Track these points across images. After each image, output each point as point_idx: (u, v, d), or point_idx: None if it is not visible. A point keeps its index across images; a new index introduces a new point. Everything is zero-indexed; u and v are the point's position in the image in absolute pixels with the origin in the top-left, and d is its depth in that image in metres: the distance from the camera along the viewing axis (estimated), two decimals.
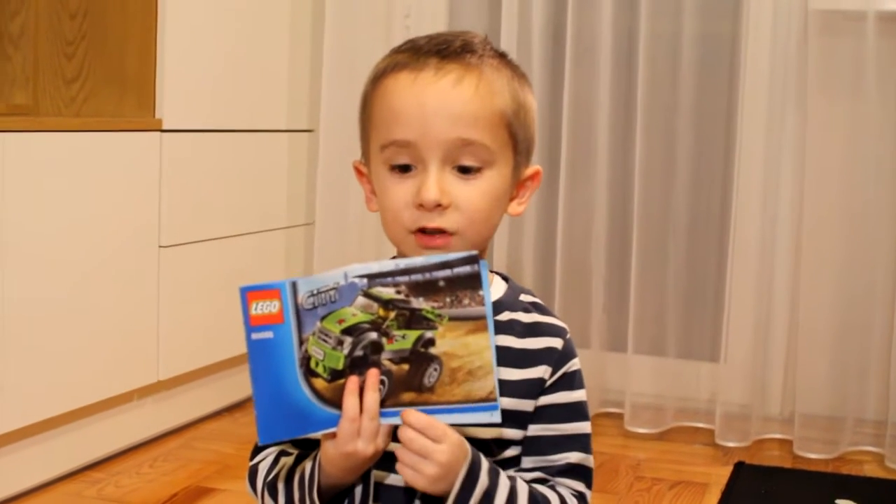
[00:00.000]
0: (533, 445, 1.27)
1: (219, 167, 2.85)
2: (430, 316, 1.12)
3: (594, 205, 2.98)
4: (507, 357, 1.24)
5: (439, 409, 1.14)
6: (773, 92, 2.82)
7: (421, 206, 1.19)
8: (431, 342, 1.13)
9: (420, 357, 1.13)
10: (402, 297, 1.12)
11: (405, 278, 1.12)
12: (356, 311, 1.13)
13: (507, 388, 1.22)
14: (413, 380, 1.14)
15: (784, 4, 2.78)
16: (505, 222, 3.00)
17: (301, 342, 1.14)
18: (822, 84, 2.81)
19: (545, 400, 1.26)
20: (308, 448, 1.26)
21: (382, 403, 1.14)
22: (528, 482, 1.23)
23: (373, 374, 1.13)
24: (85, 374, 2.44)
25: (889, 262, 2.81)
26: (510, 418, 1.22)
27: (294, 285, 1.13)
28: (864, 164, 2.80)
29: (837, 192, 2.86)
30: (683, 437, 2.92)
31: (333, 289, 1.13)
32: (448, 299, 1.12)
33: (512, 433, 1.24)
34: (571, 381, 1.28)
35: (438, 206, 1.19)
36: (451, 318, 1.12)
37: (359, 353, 1.13)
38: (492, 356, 1.12)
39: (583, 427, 1.29)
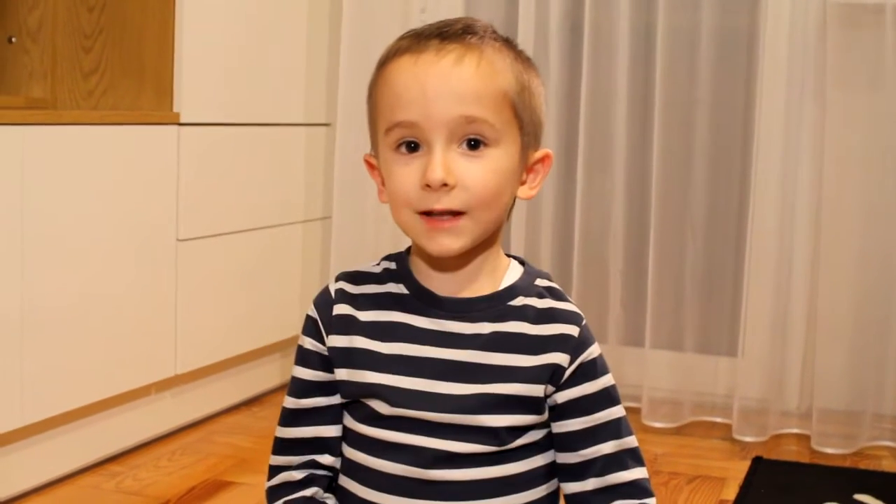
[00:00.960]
0: (565, 441, 1.26)
1: (236, 161, 2.85)
2: None
3: (612, 199, 2.98)
4: (519, 343, 1.23)
5: None
6: (791, 85, 2.81)
7: (427, 186, 1.18)
8: None
9: None
10: None
11: None
12: None
13: (519, 374, 1.22)
14: None
15: None
16: (522, 218, 3.00)
17: None
18: (841, 77, 2.80)
19: (569, 394, 1.25)
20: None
21: None
22: None
23: None
24: (103, 368, 2.45)
25: None
26: (522, 404, 1.22)
27: None
28: (883, 156, 2.78)
29: (856, 185, 2.85)
30: (701, 432, 2.92)
31: None
32: None
33: (525, 419, 1.24)
34: (593, 370, 1.27)
35: (444, 186, 1.18)
36: None
37: None
38: None
39: (613, 413, 1.27)
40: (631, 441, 1.28)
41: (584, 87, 2.97)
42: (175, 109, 2.64)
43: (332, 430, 1.29)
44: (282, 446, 1.31)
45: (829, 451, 2.78)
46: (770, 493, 2.46)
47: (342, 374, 1.26)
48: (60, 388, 2.34)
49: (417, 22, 2.98)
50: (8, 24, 2.76)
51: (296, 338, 3.11)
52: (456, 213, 1.19)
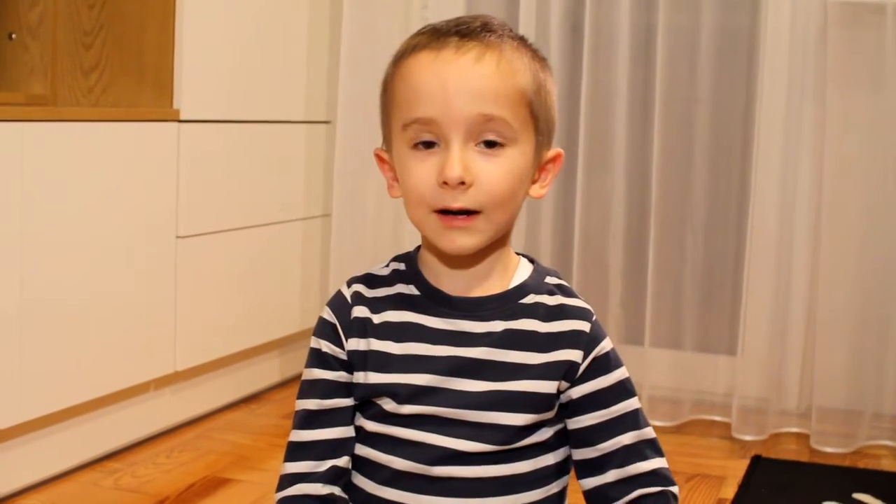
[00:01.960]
0: (582, 436, 1.27)
1: (236, 158, 2.85)
2: None
3: (611, 198, 2.98)
4: (532, 341, 1.24)
5: None
6: (791, 85, 2.81)
7: (445, 183, 1.18)
8: None
9: None
10: None
11: None
12: None
13: (532, 371, 1.23)
14: None
15: None
16: (523, 217, 3.00)
17: None
18: (841, 77, 2.80)
19: (583, 389, 1.26)
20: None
21: None
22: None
23: None
24: (102, 365, 2.45)
25: None
26: (534, 401, 1.23)
27: None
28: (883, 156, 2.78)
29: (856, 185, 2.85)
30: (700, 431, 2.92)
31: None
32: None
33: (536, 417, 1.24)
34: (606, 364, 1.27)
35: (462, 184, 1.18)
36: None
37: None
38: None
39: (630, 405, 1.28)
40: (649, 432, 1.29)
41: (584, 86, 2.96)
42: (175, 106, 2.64)
43: (351, 431, 1.28)
44: (300, 450, 1.28)
45: (829, 450, 2.78)
46: (769, 492, 2.46)
47: (359, 376, 1.26)
48: (59, 385, 2.34)
49: (418, 19, 2.99)
50: (8, 20, 2.76)
51: (295, 335, 3.14)
52: (471, 213, 1.20)
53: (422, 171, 1.20)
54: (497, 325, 1.24)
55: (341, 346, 1.27)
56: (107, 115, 2.49)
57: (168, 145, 2.61)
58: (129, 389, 2.56)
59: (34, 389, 2.27)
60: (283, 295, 3.09)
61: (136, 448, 2.61)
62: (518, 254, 1.32)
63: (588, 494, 1.29)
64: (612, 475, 1.26)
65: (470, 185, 1.18)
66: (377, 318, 1.26)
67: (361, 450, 1.27)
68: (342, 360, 1.27)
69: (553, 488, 1.27)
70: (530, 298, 1.27)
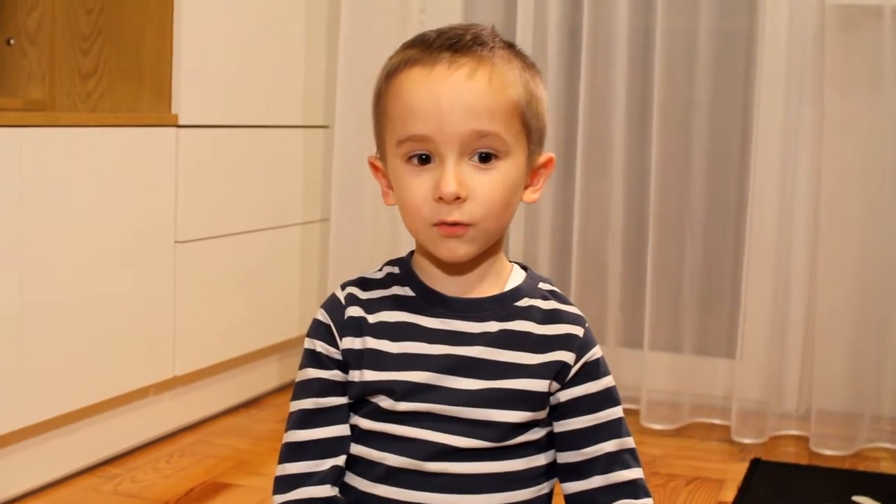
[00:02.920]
0: (568, 440, 1.29)
1: (235, 163, 2.85)
2: None
3: (610, 201, 2.98)
4: (526, 342, 1.26)
5: None
6: (789, 88, 2.81)
7: (440, 199, 1.20)
8: None
9: None
10: None
11: None
12: None
13: (526, 370, 1.25)
14: None
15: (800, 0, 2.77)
16: (521, 220, 3.01)
17: None
18: (839, 80, 2.80)
19: (572, 392, 1.28)
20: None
21: None
22: None
23: None
24: (102, 370, 2.45)
25: None
26: (527, 400, 1.25)
27: None
28: (881, 158, 2.79)
29: (854, 188, 2.85)
30: (699, 434, 2.92)
31: None
32: None
33: (529, 415, 1.26)
34: (596, 370, 1.30)
35: (457, 199, 1.20)
36: None
37: None
38: None
39: (615, 412, 1.31)
40: (630, 441, 1.31)
41: (582, 89, 2.97)
42: (173, 111, 2.64)
43: (347, 430, 1.29)
44: (298, 451, 1.28)
45: (828, 452, 2.78)
46: (768, 495, 2.46)
47: (354, 374, 1.27)
48: (59, 390, 2.34)
49: (416, 23, 2.99)
50: (6, 25, 2.76)
51: (294, 340, 3.14)
52: (464, 224, 1.22)
53: (417, 185, 1.22)
54: (493, 326, 1.26)
55: (336, 345, 1.28)
56: (105, 121, 2.49)
57: (166, 150, 2.61)
58: (128, 394, 2.56)
59: (34, 395, 2.27)
60: (282, 299, 3.10)
61: (136, 453, 2.61)
62: (511, 261, 1.34)
63: (570, 499, 1.31)
64: (596, 481, 1.28)
65: (465, 200, 1.20)
66: (372, 318, 1.28)
67: (354, 448, 1.28)
68: (337, 360, 1.28)
69: (544, 489, 1.29)
70: (525, 302, 1.29)
